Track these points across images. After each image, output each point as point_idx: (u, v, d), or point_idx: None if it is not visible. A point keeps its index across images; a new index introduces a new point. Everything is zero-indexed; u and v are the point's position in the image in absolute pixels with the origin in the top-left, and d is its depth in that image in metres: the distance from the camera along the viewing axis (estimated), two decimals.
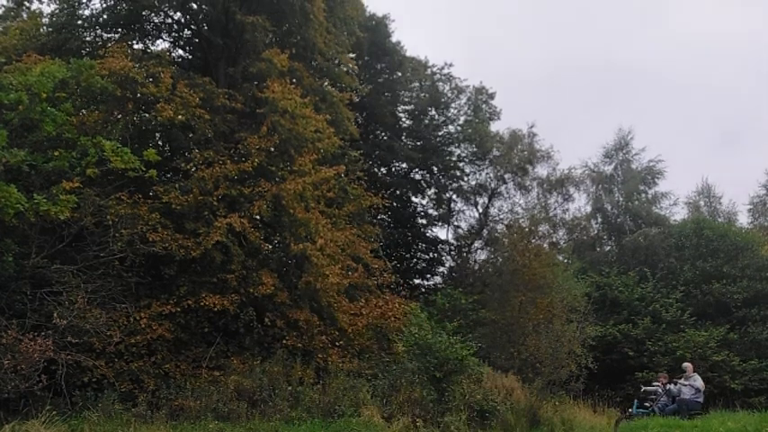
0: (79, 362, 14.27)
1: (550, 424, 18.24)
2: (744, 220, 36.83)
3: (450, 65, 30.67)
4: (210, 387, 15.26)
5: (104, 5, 19.61)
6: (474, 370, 17.48)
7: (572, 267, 25.51)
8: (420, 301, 23.07)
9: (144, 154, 15.28)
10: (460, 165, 30.56)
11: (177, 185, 17.13)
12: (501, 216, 30.30)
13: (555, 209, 30.63)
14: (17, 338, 13.10)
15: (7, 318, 13.77)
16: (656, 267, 28.29)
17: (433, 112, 30.40)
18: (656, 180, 32.86)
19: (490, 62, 69.24)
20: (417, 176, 30.95)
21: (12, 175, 14.00)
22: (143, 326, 15.62)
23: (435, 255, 31.42)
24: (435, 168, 30.40)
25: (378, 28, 28.26)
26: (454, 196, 30.95)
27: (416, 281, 30.32)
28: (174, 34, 21.41)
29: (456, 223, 31.26)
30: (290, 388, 15.73)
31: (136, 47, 19.75)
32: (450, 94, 30.58)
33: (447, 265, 31.36)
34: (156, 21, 20.95)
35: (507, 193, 30.26)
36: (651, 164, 32.74)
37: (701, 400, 16.29)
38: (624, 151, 33.08)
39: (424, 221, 31.12)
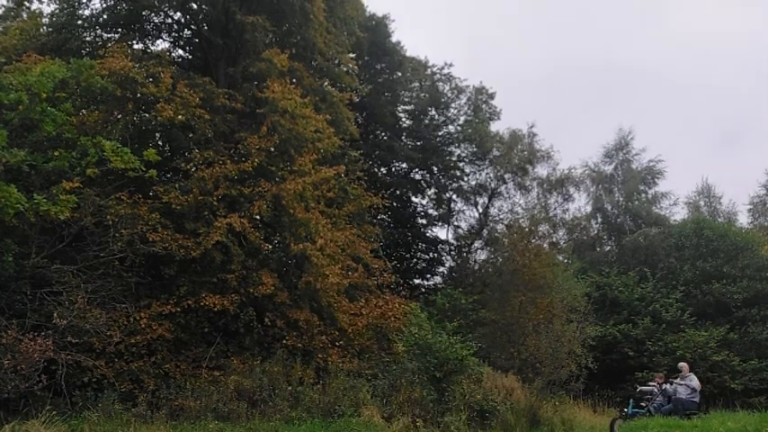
0: (79, 362, 14.26)
1: (550, 424, 18.25)
2: (744, 220, 36.94)
3: (450, 65, 30.79)
4: (210, 387, 15.25)
5: (104, 5, 19.62)
6: (474, 370, 17.49)
7: (572, 267, 25.53)
8: (420, 301, 23.07)
9: (144, 154, 15.27)
10: (460, 165, 30.59)
11: (177, 185, 17.12)
12: (501, 216, 30.38)
13: (555, 209, 30.70)
14: (17, 338, 13.10)
15: (7, 318, 13.76)
16: (656, 267, 28.30)
17: (433, 112, 30.41)
18: (656, 180, 32.94)
19: (490, 62, 69.38)
20: (417, 176, 30.97)
21: (12, 175, 14.00)
22: (143, 326, 15.62)
23: (435, 255, 31.43)
24: (435, 168, 30.41)
25: (378, 28, 28.26)
26: (454, 196, 31.01)
27: (416, 281, 30.35)
28: (174, 34, 21.41)
29: (456, 223, 31.34)
30: (290, 388, 15.73)
31: (136, 47, 19.74)
32: (450, 94, 30.61)
33: (447, 265, 31.43)
34: (156, 21, 20.95)
35: (507, 193, 30.33)
36: (651, 164, 32.84)
37: (696, 399, 16.28)
38: (624, 151, 33.13)
39: (424, 221, 31.15)
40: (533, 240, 24.11)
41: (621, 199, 32.43)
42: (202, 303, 16.17)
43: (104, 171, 15.37)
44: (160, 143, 19.22)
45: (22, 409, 13.25)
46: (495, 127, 30.86)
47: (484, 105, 30.83)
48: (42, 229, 14.76)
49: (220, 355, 16.64)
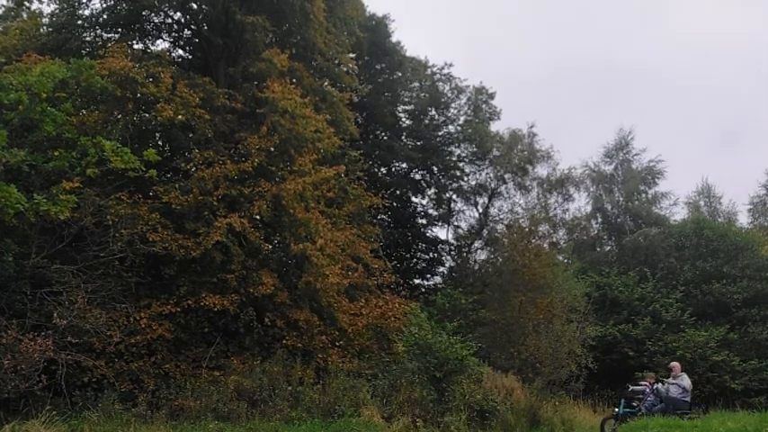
0: (79, 362, 14.26)
1: (550, 424, 18.26)
2: (744, 220, 36.93)
3: (450, 65, 30.76)
4: (210, 387, 15.25)
5: (104, 5, 19.62)
6: (474, 370, 17.49)
7: (572, 267, 25.53)
8: (420, 301, 23.07)
9: (144, 154, 15.27)
10: (460, 165, 30.57)
11: (177, 185, 17.12)
12: (501, 216, 30.36)
13: (555, 209, 30.68)
14: (17, 338, 13.10)
15: (7, 318, 13.76)
16: (656, 267, 28.29)
17: (433, 112, 30.40)
18: (656, 180, 32.92)
19: (490, 62, 69.38)
20: (417, 176, 30.97)
21: (12, 175, 14.00)
22: (143, 326, 15.62)
23: (435, 255, 31.43)
24: (435, 168, 30.41)
25: (378, 28, 28.26)
26: (454, 196, 30.98)
27: (416, 281, 30.33)
28: (174, 34, 21.41)
29: (456, 223, 31.32)
30: (290, 388, 15.73)
31: (136, 47, 19.74)
32: (450, 94, 30.59)
33: (447, 265, 31.41)
34: (156, 21, 20.95)
35: (507, 193, 30.31)
36: (651, 164, 32.83)
37: (688, 399, 16.27)
38: (624, 151, 33.12)
39: (424, 221, 31.14)
40: (533, 240, 24.11)
41: (621, 199, 32.42)
42: (202, 303, 16.17)
43: (104, 171, 15.37)
44: (160, 143, 19.22)
45: (22, 409, 13.25)
46: (495, 127, 30.91)
47: (484, 105, 30.83)
48: (42, 229, 14.75)
49: (220, 355, 16.64)
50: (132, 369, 15.42)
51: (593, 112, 69.98)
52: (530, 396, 18.60)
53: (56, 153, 14.81)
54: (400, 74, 29.68)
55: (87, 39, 19.94)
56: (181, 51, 21.79)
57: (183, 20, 20.74)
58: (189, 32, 21.19)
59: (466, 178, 30.74)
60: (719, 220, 34.29)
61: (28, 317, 14.00)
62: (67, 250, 15.12)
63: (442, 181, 30.79)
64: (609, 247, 32.54)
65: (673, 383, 16.39)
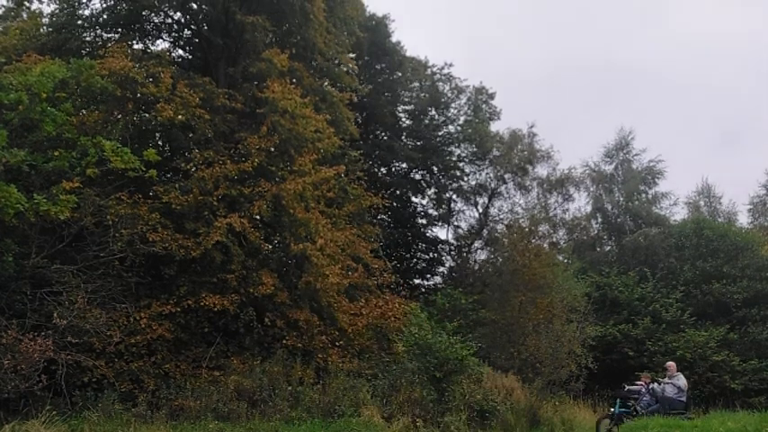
0: (79, 362, 14.26)
1: (550, 424, 18.25)
2: (744, 220, 36.90)
3: (450, 65, 30.72)
4: (210, 387, 15.26)
5: (104, 5, 19.62)
6: (474, 370, 17.48)
7: (572, 267, 25.51)
8: (420, 301, 23.06)
9: (144, 154, 15.27)
10: (460, 165, 30.55)
11: (177, 185, 17.13)
12: (501, 216, 30.33)
13: (555, 209, 30.64)
14: (17, 338, 13.10)
15: (7, 318, 13.77)
16: (656, 267, 28.27)
17: (433, 112, 30.39)
18: (656, 180, 32.87)
19: (490, 62, 69.32)
20: (417, 176, 30.95)
21: (12, 175, 14.00)
22: (143, 326, 15.62)
23: (435, 255, 31.41)
24: (435, 168, 30.39)
25: (378, 28, 28.25)
26: (454, 196, 30.96)
27: (416, 281, 30.31)
28: (174, 34, 21.41)
29: (456, 223, 31.29)
30: (290, 388, 15.73)
31: (136, 47, 19.74)
32: (450, 94, 30.57)
33: (447, 265, 31.38)
34: (156, 21, 20.95)
35: (507, 193, 30.27)
36: (651, 164, 32.76)
37: (683, 399, 16.22)
38: (625, 151, 33.07)
39: (424, 221, 31.12)
40: (533, 240, 24.10)
41: (621, 199, 32.39)
42: (202, 303, 16.17)
43: (104, 171, 15.37)
44: (160, 143, 19.22)
45: (22, 409, 13.25)
46: (495, 127, 30.87)
47: (484, 105, 30.81)
48: (42, 229, 14.76)
49: (220, 355, 16.64)
50: (132, 369, 15.43)
51: (593, 112, 70.05)
52: (530, 396, 18.60)
53: (56, 153, 14.81)
54: (400, 74, 29.67)
55: (87, 39, 19.95)
56: (181, 51, 21.82)
57: (182, 20, 20.75)
58: (189, 32, 21.19)
59: (466, 178, 30.76)
60: (719, 220, 34.28)
61: (28, 317, 14.00)
62: (67, 250, 15.12)
63: (442, 181, 30.78)
64: (609, 247, 32.51)
65: (668, 383, 16.37)
